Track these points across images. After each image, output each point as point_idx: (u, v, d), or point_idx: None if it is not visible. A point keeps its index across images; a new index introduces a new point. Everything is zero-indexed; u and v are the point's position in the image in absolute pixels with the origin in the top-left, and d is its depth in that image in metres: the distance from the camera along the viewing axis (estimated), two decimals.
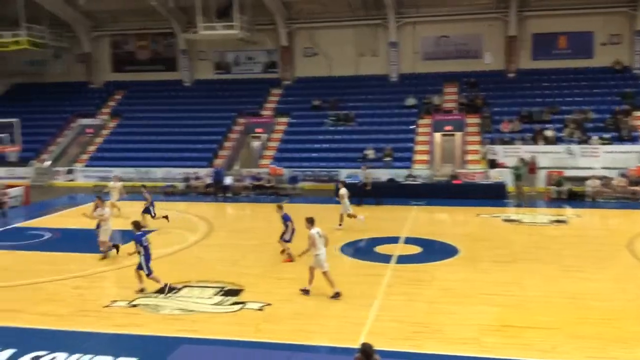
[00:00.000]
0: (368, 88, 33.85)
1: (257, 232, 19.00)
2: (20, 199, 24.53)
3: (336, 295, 11.98)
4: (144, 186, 21.01)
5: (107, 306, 11.93)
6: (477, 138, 29.46)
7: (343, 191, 18.99)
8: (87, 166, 31.41)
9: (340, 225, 18.82)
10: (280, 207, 15.62)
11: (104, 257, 15.51)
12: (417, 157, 28.89)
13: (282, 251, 15.33)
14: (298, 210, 20.77)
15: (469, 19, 32.52)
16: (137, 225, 13.13)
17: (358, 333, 10.17)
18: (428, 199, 23.82)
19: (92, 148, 33.12)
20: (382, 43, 34.17)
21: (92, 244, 15.90)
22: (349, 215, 18.66)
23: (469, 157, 28.53)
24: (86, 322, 11.06)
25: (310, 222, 12.42)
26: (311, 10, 33.99)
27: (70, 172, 31.21)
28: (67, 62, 37.84)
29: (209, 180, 27.36)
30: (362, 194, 22.86)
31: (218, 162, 29.78)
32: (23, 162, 31.71)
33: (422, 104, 31.91)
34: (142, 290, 12.64)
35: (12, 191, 24.20)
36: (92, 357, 9.47)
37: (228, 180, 27.09)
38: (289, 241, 15.10)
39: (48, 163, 32.25)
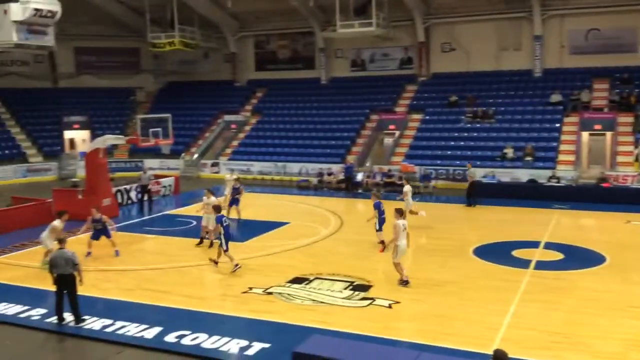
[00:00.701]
0: (509, 84, 32.43)
1: (387, 228, 18.89)
2: (170, 188, 26.60)
3: (405, 283, 12.63)
4: (237, 179, 21.97)
5: (244, 292, 12.57)
6: (629, 138, 27.08)
7: (407, 188, 19.22)
8: (230, 159, 33.24)
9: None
10: (375, 195, 16.64)
11: (200, 244, 16.75)
12: (562, 157, 27.18)
13: (381, 242, 15.84)
14: (433, 208, 20.53)
15: (622, 10, 29.90)
16: (217, 208, 14.56)
17: (491, 339, 9.83)
18: (572, 203, 22.33)
19: (235, 143, 35.01)
20: (525, 37, 32.54)
21: (233, 232, 16.81)
22: (411, 212, 18.20)
23: (620, 158, 26.32)
24: (225, 306, 11.76)
25: (400, 212, 13.09)
26: (450, 5, 33.23)
27: (215, 164, 33.26)
28: (214, 61, 40.27)
29: (341, 176, 27.80)
30: (474, 194, 22.40)
31: (350, 158, 30.16)
32: (174, 154, 34.32)
33: (569, 100, 29.94)
34: (236, 266, 13.88)
35: (164, 181, 26.33)
36: (230, 340, 10.05)
37: (359, 177, 27.35)
38: (379, 230, 15.88)
39: (196, 156, 34.60)
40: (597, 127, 28.18)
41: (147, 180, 23.63)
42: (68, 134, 36.43)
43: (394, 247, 12.87)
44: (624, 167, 25.66)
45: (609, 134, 28.01)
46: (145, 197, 23.44)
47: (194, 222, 19.89)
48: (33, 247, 16.77)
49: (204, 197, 17.13)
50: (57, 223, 14.30)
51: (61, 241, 11.19)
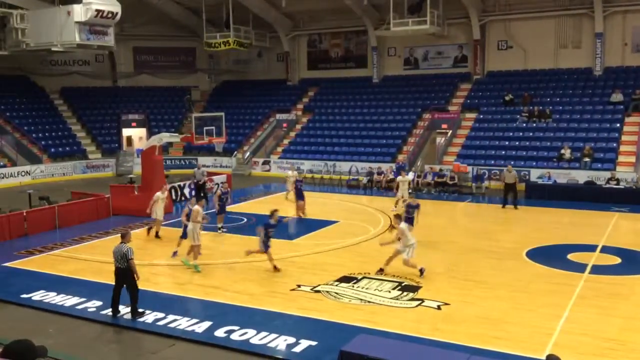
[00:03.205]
0: (568, 82, 31.44)
1: (437, 229, 18.74)
2: (224, 186, 26.93)
3: (422, 272, 13.19)
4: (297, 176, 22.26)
5: (293, 290, 12.67)
6: None
7: (400, 178, 21.25)
8: (280, 158, 33.55)
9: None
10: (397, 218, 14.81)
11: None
12: (621, 158, 26.16)
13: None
14: (486, 210, 20.18)
15: None
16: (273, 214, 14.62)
17: (544, 344, 9.59)
18: (632, 205, 21.48)
19: (286, 141, 35.29)
20: (586, 34, 31.47)
21: (283, 230, 16.97)
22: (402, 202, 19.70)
23: None
24: (274, 302, 11.87)
25: (399, 217, 14.02)
26: (507, 2, 32.49)
27: (266, 163, 33.64)
28: (268, 60, 40.68)
29: (391, 175, 27.62)
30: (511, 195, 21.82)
31: (401, 157, 29.91)
32: (227, 152, 34.92)
33: (631, 100, 28.78)
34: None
35: (217, 178, 26.76)
36: (277, 337, 10.15)
37: (410, 176, 27.05)
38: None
39: (247, 154, 35.07)
40: None
41: (201, 177, 24.09)
42: (126, 132, 37.61)
43: (408, 247, 13.32)
44: None
45: None
46: (201, 194, 23.85)
47: (244, 219, 20.19)
48: (92, 241, 17.42)
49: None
50: (197, 207, 14.74)
51: (123, 236, 11.40)
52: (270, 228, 14.03)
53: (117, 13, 29.08)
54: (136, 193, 21.60)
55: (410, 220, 15.44)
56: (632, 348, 9.44)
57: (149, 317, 11.17)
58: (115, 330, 10.94)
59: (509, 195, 21.81)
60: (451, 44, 35.01)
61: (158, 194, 17.70)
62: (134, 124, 37.68)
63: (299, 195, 20.83)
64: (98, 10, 28.24)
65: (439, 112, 32.64)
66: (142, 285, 13.07)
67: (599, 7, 30.13)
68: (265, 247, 13.94)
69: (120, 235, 11.52)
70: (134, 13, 34.07)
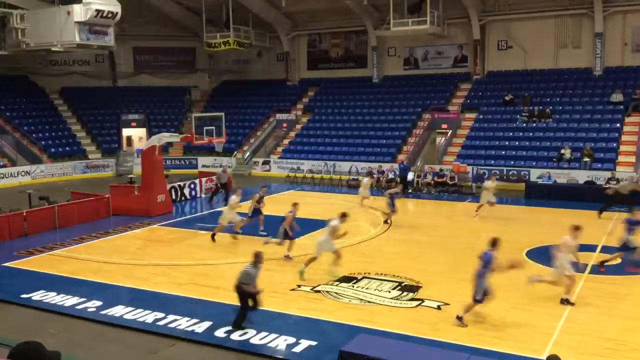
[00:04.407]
0: (568, 82, 31.45)
1: (438, 229, 18.75)
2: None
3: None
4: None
5: (293, 289, 12.67)
6: None
7: (365, 181, 21.47)
8: (280, 158, 33.54)
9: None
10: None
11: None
12: (621, 158, 26.17)
13: None
14: (485, 210, 20.15)
15: None
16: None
17: (544, 344, 9.59)
18: (632, 205, 21.39)
19: (286, 141, 35.28)
20: (585, 34, 31.47)
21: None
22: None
23: None
24: (274, 302, 11.85)
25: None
26: (508, 2, 32.49)
27: (266, 163, 33.62)
28: (267, 60, 40.66)
29: (391, 175, 27.60)
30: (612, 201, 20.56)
31: (402, 157, 29.90)
32: (227, 152, 34.89)
33: (631, 100, 28.77)
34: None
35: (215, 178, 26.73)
36: (278, 336, 10.15)
37: (410, 176, 27.08)
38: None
39: (247, 154, 35.05)
40: None
41: (226, 179, 23.97)
42: (125, 132, 37.59)
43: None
44: None
45: None
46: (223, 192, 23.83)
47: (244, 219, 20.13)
48: (92, 241, 17.41)
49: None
50: (336, 222, 13.70)
51: (257, 257, 10.82)
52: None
53: (117, 13, 29.07)
54: (136, 193, 21.58)
55: None
56: (633, 348, 9.44)
57: (149, 316, 11.16)
58: (116, 330, 10.93)
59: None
60: (451, 44, 35.01)
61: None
62: (133, 123, 37.64)
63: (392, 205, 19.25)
64: (98, 10, 28.24)
65: (439, 112, 32.64)
66: (141, 285, 13.12)
67: (599, 7, 30.12)
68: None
69: (254, 255, 10.85)
70: (134, 13, 34.04)
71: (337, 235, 13.56)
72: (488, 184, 20.54)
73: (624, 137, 27.28)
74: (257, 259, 10.79)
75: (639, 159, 26.17)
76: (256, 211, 18.15)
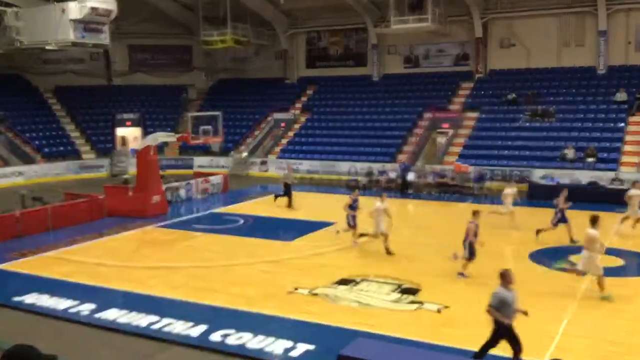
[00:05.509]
0: (571, 81, 31.16)
1: (438, 230, 18.45)
2: (219, 186, 26.65)
3: None
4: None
5: (290, 292, 12.35)
6: None
7: (632, 192, 17.42)
8: (278, 158, 33.19)
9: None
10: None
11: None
12: (625, 158, 25.87)
13: None
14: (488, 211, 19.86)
15: None
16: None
17: (545, 347, 9.37)
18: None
19: (284, 141, 34.95)
20: (589, 32, 31.19)
21: (280, 231, 16.66)
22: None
23: None
24: (271, 305, 11.56)
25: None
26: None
27: (263, 163, 33.29)
28: (265, 59, 40.29)
29: (392, 175, 27.27)
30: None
31: (401, 157, 29.60)
32: (224, 152, 34.55)
33: (635, 99, 28.46)
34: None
35: (213, 179, 26.43)
36: (275, 340, 9.86)
37: (410, 177, 26.74)
38: None
39: (245, 154, 34.72)
40: None
41: (292, 180, 23.32)
42: (120, 131, 37.15)
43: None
44: None
45: None
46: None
47: (241, 221, 19.86)
48: (85, 243, 17.07)
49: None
50: (593, 231, 11.98)
51: (503, 277, 8.77)
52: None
53: (112, 11, 28.76)
54: (130, 194, 21.24)
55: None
56: (637, 351, 9.18)
57: (143, 320, 10.85)
58: (109, 334, 10.60)
59: None
60: (452, 42, 34.71)
61: (378, 204, 15.47)
62: (128, 123, 37.14)
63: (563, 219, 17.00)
64: (93, 8, 27.92)
65: (440, 111, 32.33)
66: (135, 287, 12.80)
67: (602, 5, 29.85)
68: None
69: (500, 275, 8.79)
70: (130, 10, 33.72)
71: (594, 247, 11.70)
72: (508, 190, 19.17)
73: (627, 137, 26.96)
74: (505, 279, 8.63)
75: None
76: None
